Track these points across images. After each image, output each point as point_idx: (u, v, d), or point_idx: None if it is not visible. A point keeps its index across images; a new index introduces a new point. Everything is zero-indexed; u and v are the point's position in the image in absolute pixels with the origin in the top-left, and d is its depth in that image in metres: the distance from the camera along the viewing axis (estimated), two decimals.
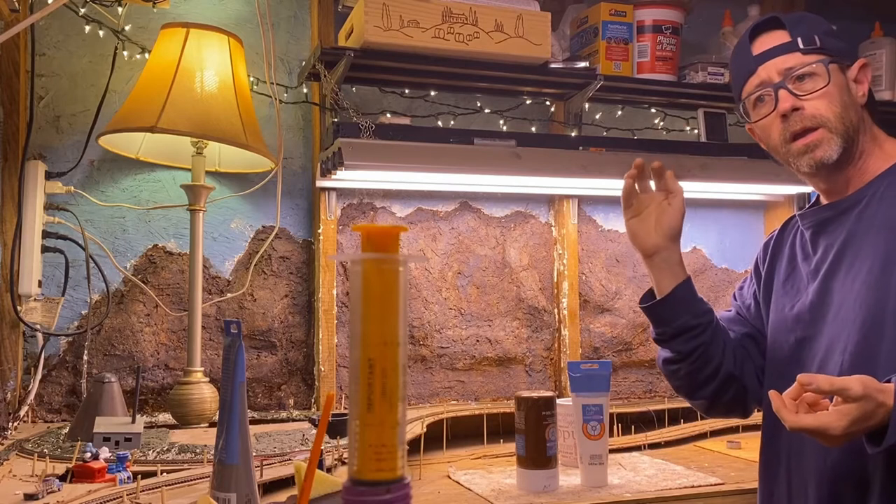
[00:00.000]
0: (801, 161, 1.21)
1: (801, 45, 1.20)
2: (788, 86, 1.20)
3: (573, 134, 2.18)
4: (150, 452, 1.49)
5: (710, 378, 1.30)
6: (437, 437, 1.77)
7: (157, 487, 1.27)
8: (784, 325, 1.27)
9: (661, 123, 2.41)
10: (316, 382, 2.07)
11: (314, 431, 1.68)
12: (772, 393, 1.03)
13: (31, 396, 1.86)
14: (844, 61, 1.22)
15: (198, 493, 1.25)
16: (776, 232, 1.39)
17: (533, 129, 2.27)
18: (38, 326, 1.88)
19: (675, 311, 1.28)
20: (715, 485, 1.49)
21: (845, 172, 1.22)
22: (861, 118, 1.22)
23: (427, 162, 1.86)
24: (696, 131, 2.29)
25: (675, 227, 1.29)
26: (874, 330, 1.11)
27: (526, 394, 1.48)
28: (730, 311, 1.43)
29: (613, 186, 2.18)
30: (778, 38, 1.23)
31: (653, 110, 2.39)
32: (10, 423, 1.75)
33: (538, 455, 1.44)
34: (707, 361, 1.29)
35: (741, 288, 1.44)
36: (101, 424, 1.56)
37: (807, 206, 1.33)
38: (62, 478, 1.35)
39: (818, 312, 1.21)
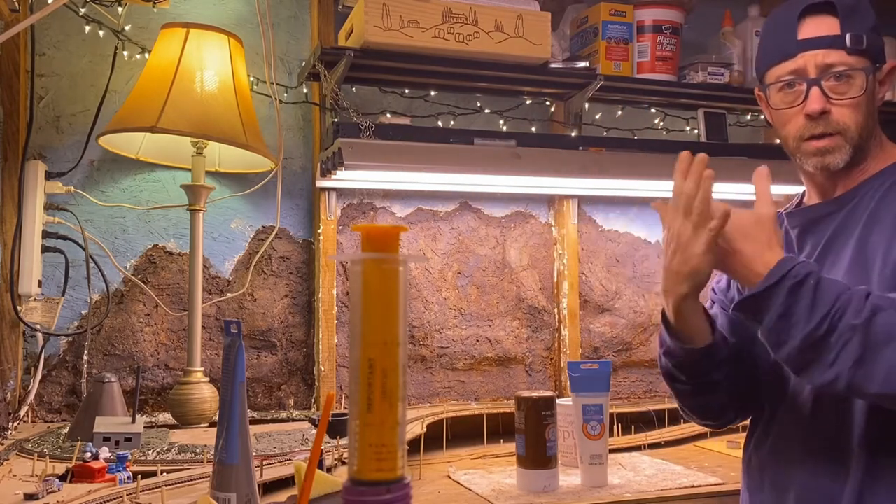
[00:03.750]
0: (809, 161, 1.19)
1: (848, 44, 1.14)
2: (824, 85, 1.15)
3: (573, 134, 2.18)
4: (150, 452, 1.49)
5: (729, 403, 1.27)
6: (437, 437, 1.77)
7: (157, 487, 1.27)
8: None
9: (661, 123, 2.41)
10: (316, 382, 2.07)
11: (314, 431, 1.68)
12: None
13: (31, 396, 1.86)
14: (879, 64, 1.19)
15: (198, 493, 1.25)
16: None
17: (533, 129, 2.27)
18: (38, 326, 1.88)
19: (709, 365, 1.19)
20: (715, 485, 1.49)
21: (846, 175, 1.21)
22: (875, 122, 1.20)
23: (427, 162, 1.86)
24: (696, 131, 2.29)
25: (700, 270, 1.10)
26: None
27: (526, 394, 1.47)
28: (712, 306, 1.36)
29: (613, 186, 2.20)
30: (827, 26, 1.15)
31: (653, 110, 2.39)
32: (10, 423, 1.75)
33: (538, 455, 1.44)
34: (728, 392, 1.24)
35: (719, 281, 1.38)
36: (101, 424, 1.56)
37: (791, 206, 1.30)
38: (62, 478, 1.35)
39: None
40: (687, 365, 1.20)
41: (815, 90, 1.15)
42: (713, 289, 1.39)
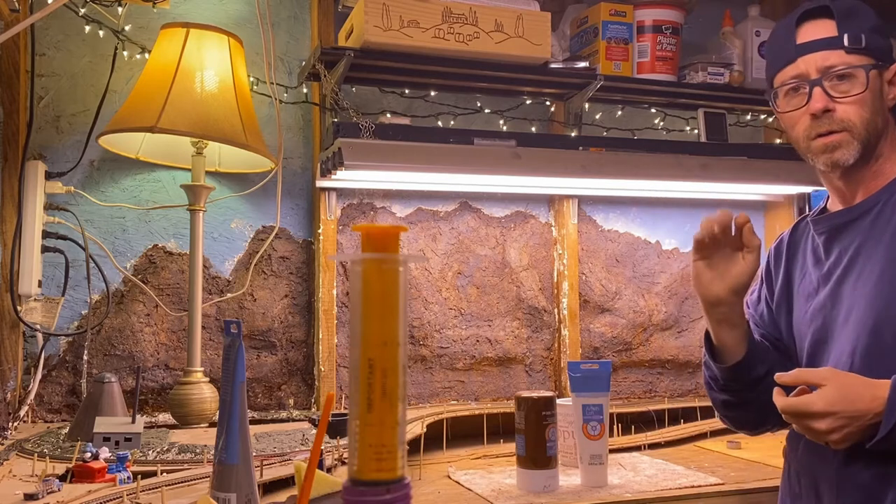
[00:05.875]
0: (819, 159, 1.21)
1: (846, 43, 1.17)
2: (825, 84, 1.17)
3: (573, 134, 2.18)
4: (150, 452, 1.49)
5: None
6: (437, 437, 1.77)
7: (157, 487, 1.27)
8: (798, 329, 1.27)
9: (661, 123, 2.41)
10: (316, 382, 2.07)
11: (314, 431, 1.68)
12: (775, 389, 1.09)
13: (31, 396, 1.86)
14: (885, 63, 1.20)
15: (198, 493, 1.25)
16: (786, 235, 1.37)
17: (533, 129, 2.27)
18: (38, 326, 1.88)
19: (749, 368, 1.25)
20: (715, 485, 1.49)
21: (860, 174, 1.21)
22: (886, 122, 1.21)
23: (427, 162, 1.86)
24: (696, 131, 2.29)
25: (742, 282, 1.22)
26: (884, 333, 1.11)
27: (526, 394, 1.48)
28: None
29: (613, 186, 2.20)
30: (824, 29, 1.19)
31: (653, 110, 2.39)
32: (10, 423, 1.75)
33: (538, 455, 1.44)
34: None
35: (752, 292, 1.41)
36: (101, 424, 1.56)
37: (816, 212, 1.31)
38: (62, 478, 1.35)
39: (830, 316, 1.20)
40: (722, 378, 1.26)
41: (817, 90, 1.18)
42: (746, 302, 1.41)
